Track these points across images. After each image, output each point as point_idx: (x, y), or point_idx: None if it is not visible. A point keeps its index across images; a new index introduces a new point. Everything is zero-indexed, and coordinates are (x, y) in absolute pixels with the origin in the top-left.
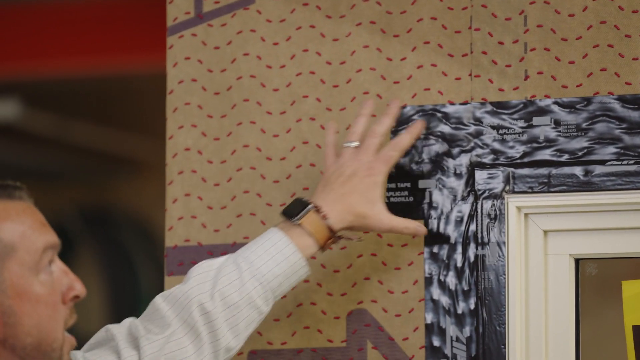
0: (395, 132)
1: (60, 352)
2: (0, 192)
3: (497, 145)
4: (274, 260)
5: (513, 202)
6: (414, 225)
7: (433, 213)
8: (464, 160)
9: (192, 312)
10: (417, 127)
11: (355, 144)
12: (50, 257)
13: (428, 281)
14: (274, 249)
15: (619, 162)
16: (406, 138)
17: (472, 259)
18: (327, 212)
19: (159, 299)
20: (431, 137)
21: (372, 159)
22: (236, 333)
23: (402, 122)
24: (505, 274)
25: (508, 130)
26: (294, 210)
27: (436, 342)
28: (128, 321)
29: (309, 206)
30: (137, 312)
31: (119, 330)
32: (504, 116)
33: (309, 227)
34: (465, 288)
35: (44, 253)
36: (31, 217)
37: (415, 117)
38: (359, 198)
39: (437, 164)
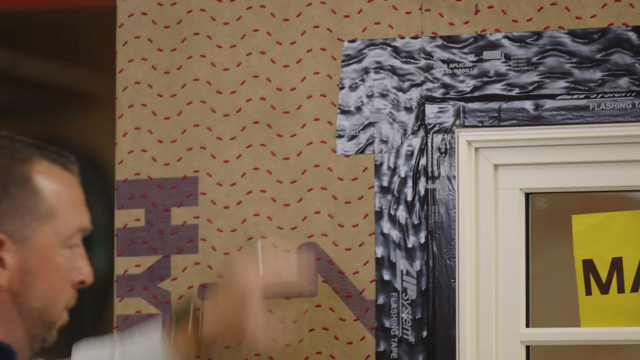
0: (347, 65)
1: (55, 326)
2: (57, 159)
3: (447, 80)
4: None
5: (463, 136)
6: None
7: (383, 147)
8: (415, 94)
9: None
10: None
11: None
12: (79, 238)
13: (378, 215)
14: None
15: (569, 97)
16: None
17: (422, 192)
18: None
19: None
20: (381, 70)
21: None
22: None
23: (352, 57)
24: (455, 208)
25: (458, 65)
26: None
27: (386, 276)
28: None
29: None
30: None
31: None
32: (454, 50)
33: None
34: (416, 222)
35: (77, 232)
36: (77, 193)
37: (365, 50)
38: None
39: (388, 97)
